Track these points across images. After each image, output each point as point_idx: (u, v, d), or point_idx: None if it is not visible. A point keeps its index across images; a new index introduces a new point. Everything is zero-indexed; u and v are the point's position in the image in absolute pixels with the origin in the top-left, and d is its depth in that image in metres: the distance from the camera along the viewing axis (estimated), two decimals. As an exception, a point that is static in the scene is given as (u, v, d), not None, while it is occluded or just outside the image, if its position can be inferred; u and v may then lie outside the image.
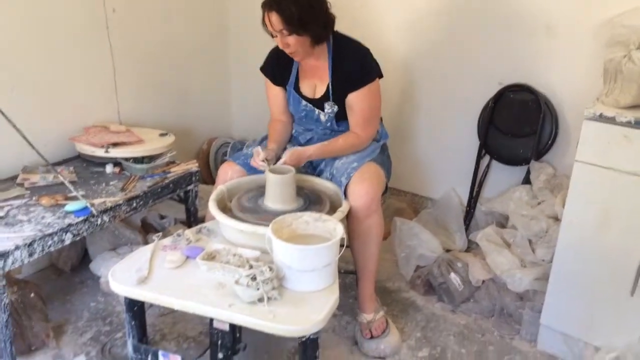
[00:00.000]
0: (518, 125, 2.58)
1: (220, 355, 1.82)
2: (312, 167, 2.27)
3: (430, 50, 2.79)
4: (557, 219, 2.31)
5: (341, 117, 2.17)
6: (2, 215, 1.99)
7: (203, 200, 2.64)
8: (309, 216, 1.84)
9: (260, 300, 1.62)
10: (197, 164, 2.55)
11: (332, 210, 1.99)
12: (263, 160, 2.04)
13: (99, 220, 2.09)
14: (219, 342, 1.80)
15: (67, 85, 2.53)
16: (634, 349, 1.87)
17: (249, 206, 2.01)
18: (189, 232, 1.97)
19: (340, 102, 2.12)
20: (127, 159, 2.43)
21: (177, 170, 2.47)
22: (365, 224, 2.03)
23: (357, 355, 2.13)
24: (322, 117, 2.19)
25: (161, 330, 2.23)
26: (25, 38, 2.33)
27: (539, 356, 2.16)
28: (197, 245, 1.91)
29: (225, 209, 2.01)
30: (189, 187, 2.52)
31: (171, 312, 2.27)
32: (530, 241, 2.38)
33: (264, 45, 2.25)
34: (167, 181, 2.39)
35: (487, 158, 2.75)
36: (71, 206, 2.06)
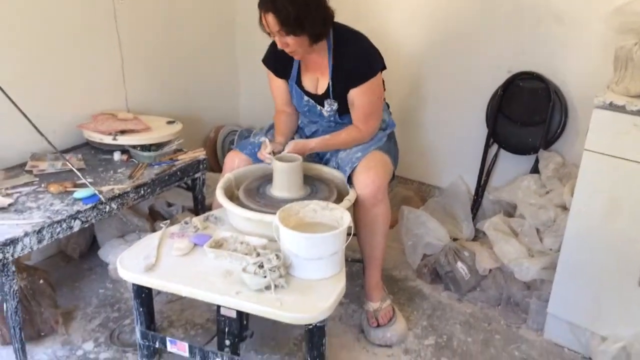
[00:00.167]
0: (527, 114, 2.56)
1: (227, 342, 1.84)
2: (318, 157, 2.27)
3: (439, 38, 2.77)
4: (565, 208, 2.30)
5: (344, 111, 2.15)
6: (11, 202, 2.00)
7: (210, 188, 2.65)
8: (316, 204, 1.84)
9: (267, 288, 1.62)
10: (204, 152, 2.55)
11: (339, 198, 1.99)
12: (270, 153, 2.04)
13: (107, 208, 2.10)
14: (226, 329, 1.82)
15: (75, 73, 2.53)
16: (641, 338, 1.87)
17: (256, 194, 2.02)
18: (197, 220, 1.98)
19: (342, 97, 2.10)
20: (134, 147, 2.43)
21: (184, 158, 2.47)
22: (372, 213, 2.03)
23: (363, 343, 2.14)
24: (325, 113, 2.18)
25: (169, 317, 2.25)
26: (34, 27, 2.33)
27: (545, 345, 2.15)
28: (204, 233, 1.92)
29: (232, 197, 2.01)
30: (197, 175, 2.53)
31: (179, 299, 2.28)
32: (538, 230, 2.37)
33: (272, 34, 2.23)
34: (174, 169, 2.39)
35: (495, 147, 2.73)
36: (80, 193, 2.07)
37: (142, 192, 2.25)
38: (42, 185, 2.14)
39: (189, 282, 1.68)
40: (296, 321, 1.60)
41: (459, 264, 2.40)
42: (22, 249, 1.85)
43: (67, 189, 2.11)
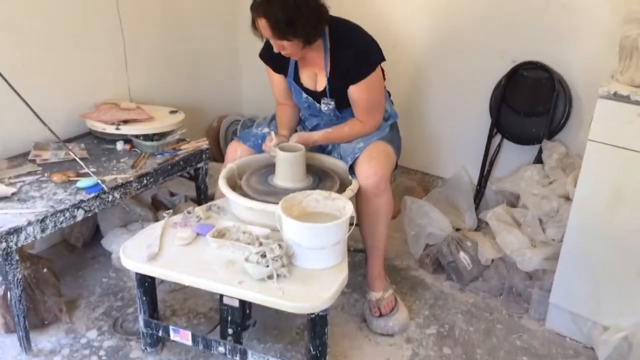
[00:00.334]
0: (531, 104, 2.55)
1: (230, 331, 1.85)
2: (320, 148, 2.26)
3: (443, 28, 2.75)
4: (568, 199, 2.30)
5: (343, 106, 2.14)
6: (15, 192, 2.00)
7: (213, 178, 2.64)
8: (318, 194, 1.85)
9: (270, 277, 1.63)
10: (207, 142, 2.54)
11: (342, 188, 1.99)
12: (275, 146, 2.03)
13: (110, 197, 2.11)
14: (229, 318, 1.83)
15: (77, 63, 2.53)
16: (643, 328, 1.88)
17: (258, 184, 2.02)
18: (199, 210, 1.98)
19: (341, 93, 2.09)
20: (137, 136, 2.43)
21: (187, 148, 2.47)
22: (374, 204, 2.02)
23: (365, 333, 2.14)
24: (324, 109, 2.17)
25: (172, 306, 2.25)
26: (37, 17, 2.32)
27: (547, 335, 2.16)
28: (207, 222, 1.92)
29: (235, 186, 2.01)
30: (199, 165, 2.53)
31: (182, 288, 2.29)
32: (540, 220, 2.37)
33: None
34: (177, 158, 2.39)
35: (498, 137, 2.73)
36: (82, 183, 2.07)
37: (145, 181, 2.25)
38: (45, 175, 2.14)
39: (191, 272, 1.69)
40: (298, 310, 1.61)
41: (462, 254, 2.40)
42: (25, 238, 1.85)
43: (70, 179, 2.11)
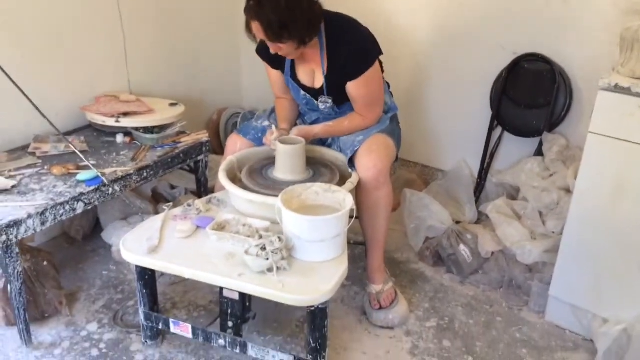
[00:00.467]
0: (532, 96, 2.54)
1: (230, 324, 1.85)
2: (320, 141, 2.26)
3: (444, 20, 2.74)
4: (568, 191, 2.29)
5: (342, 101, 2.13)
6: (15, 184, 2.00)
7: (213, 171, 2.63)
8: (318, 187, 1.84)
9: (270, 270, 1.63)
10: (207, 134, 2.54)
11: (342, 181, 1.99)
12: (276, 139, 2.03)
13: (110, 190, 2.10)
14: (229, 311, 1.83)
15: (77, 55, 2.52)
16: (643, 320, 1.88)
17: (258, 177, 2.01)
18: (199, 202, 1.98)
19: (339, 89, 2.07)
20: (137, 129, 2.42)
21: (187, 141, 2.47)
22: (374, 196, 2.02)
23: (365, 325, 2.14)
24: (321, 107, 2.16)
25: (172, 298, 2.25)
26: (35, 6, 2.32)
27: (547, 327, 2.16)
28: (207, 215, 1.92)
29: (235, 179, 2.01)
30: (199, 158, 2.52)
31: (182, 281, 2.29)
32: (540, 213, 2.37)
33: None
34: (177, 151, 2.39)
35: (499, 129, 2.72)
36: (83, 175, 2.07)
37: (145, 174, 2.25)
38: (45, 167, 2.14)
39: (191, 264, 1.69)
40: (298, 303, 1.62)
41: (462, 247, 2.40)
42: (25, 231, 1.85)
43: (70, 171, 2.11)
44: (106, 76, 2.68)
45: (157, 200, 2.71)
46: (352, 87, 2.04)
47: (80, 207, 2.01)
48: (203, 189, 2.62)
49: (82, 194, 2.01)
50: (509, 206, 2.45)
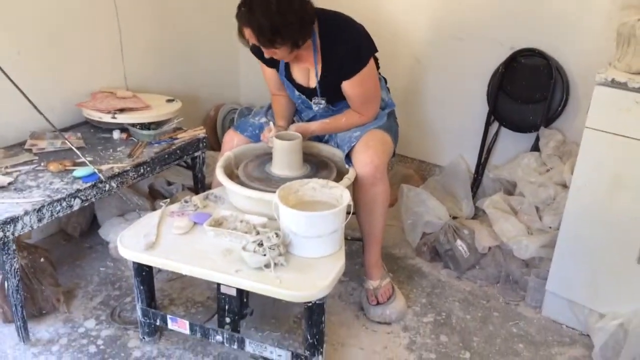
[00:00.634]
0: (528, 91, 2.54)
1: (227, 320, 1.85)
2: (317, 137, 2.25)
3: (441, 15, 2.74)
4: (565, 186, 2.30)
5: (337, 100, 2.13)
6: (11, 181, 2.00)
7: (210, 167, 2.65)
8: (315, 183, 1.84)
9: (267, 266, 1.63)
10: (204, 131, 2.54)
11: (339, 176, 1.99)
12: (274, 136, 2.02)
13: (107, 186, 2.10)
14: (227, 307, 1.83)
15: (73, 51, 2.51)
16: (639, 314, 1.88)
17: (256, 173, 2.01)
18: (197, 199, 1.98)
19: (334, 88, 2.07)
20: (134, 125, 2.42)
21: (184, 137, 2.46)
22: (371, 192, 2.02)
23: (362, 321, 2.15)
24: (315, 108, 2.16)
25: (169, 295, 2.25)
26: (31, 2, 2.30)
27: (543, 322, 2.17)
28: (204, 211, 1.92)
29: (232, 175, 2.01)
30: (196, 154, 2.52)
31: (179, 277, 2.29)
32: (537, 208, 2.37)
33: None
34: (174, 147, 2.38)
35: (496, 125, 2.72)
36: (79, 172, 2.07)
37: (142, 170, 2.24)
38: (42, 164, 2.14)
39: (189, 261, 1.69)
40: (295, 299, 1.61)
41: (459, 242, 2.40)
42: (22, 228, 1.85)
43: (67, 168, 2.10)
44: (102, 72, 2.67)
45: (154, 197, 2.71)
46: (348, 86, 2.04)
47: (77, 204, 2.01)
48: (200, 185, 2.61)
49: (78, 190, 2.00)
50: (506, 201, 2.46)
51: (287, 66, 2.14)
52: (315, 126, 2.13)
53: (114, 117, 2.37)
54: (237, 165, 2.09)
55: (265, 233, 1.69)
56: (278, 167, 2.01)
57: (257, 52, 2.14)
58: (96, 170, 2.07)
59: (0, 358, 1.91)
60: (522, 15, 2.50)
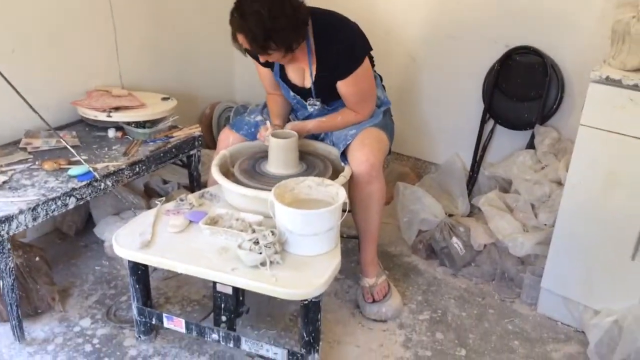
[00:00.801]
0: (524, 89, 2.54)
1: (223, 318, 1.85)
2: (313, 135, 2.25)
3: (435, 12, 2.73)
4: (560, 184, 2.30)
5: (332, 99, 2.13)
6: (6, 180, 1.99)
7: (206, 165, 2.63)
8: (311, 181, 1.84)
9: (263, 264, 1.63)
10: (199, 129, 2.53)
11: (335, 174, 1.99)
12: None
13: (102, 185, 2.09)
14: (223, 305, 1.83)
15: (68, 49, 2.50)
16: (633, 311, 1.88)
17: (251, 171, 2.01)
18: (192, 197, 1.98)
19: (329, 88, 2.06)
20: (129, 124, 2.41)
21: (179, 135, 2.46)
22: (367, 190, 2.02)
23: (358, 319, 2.15)
24: (309, 110, 2.16)
25: (165, 293, 2.25)
26: (27, 1, 2.29)
27: (538, 319, 2.17)
28: (200, 209, 1.92)
29: (227, 173, 2.01)
30: (192, 152, 2.51)
31: (175, 275, 2.28)
32: (533, 206, 2.37)
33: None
34: (169, 146, 2.38)
35: (491, 122, 2.72)
36: (74, 170, 2.06)
37: (137, 169, 2.24)
38: (37, 163, 2.13)
39: (184, 259, 1.69)
40: (291, 297, 1.62)
41: (454, 240, 2.41)
42: (17, 227, 1.84)
43: (62, 166, 2.10)
44: (97, 70, 2.65)
45: (150, 195, 2.70)
46: (343, 86, 2.04)
47: (72, 203, 2.00)
48: (196, 183, 2.61)
49: (73, 189, 2.00)
50: (501, 199, 2.46)
51: (282, 66, 2.13)
52: (311, 125, 2.13)
53: (109, 116, 2.36)
54: (232, 164, 2.09)
55: (261, 231, 1.69)
56: (274, 166, 2.01)
57: (251, 51, 2.14)
58: (91, 169, 2.06)
59: (-5, 358, 1.92)
60: (517, 13, 2.50)
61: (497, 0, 2.54)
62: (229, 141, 2.21)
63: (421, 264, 2.50)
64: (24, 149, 2.23)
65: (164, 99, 2.61)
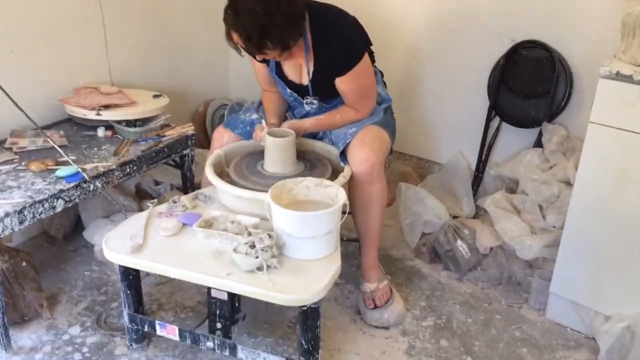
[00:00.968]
0: (530, 85, 2.51)
1: (219, 325, 1.85)
2: (311, 134, 2.22)
3: (439, 7, 2.70)
4: (569, 184, 2.28)
5: (330, 97, 2.10)
6: (-10, 181, 1.97)
7: (199, 165, 2.63)
8: (309, 181, 1.83)
9: (260, 268, 1.63)
10: (193, 127, 2.51)
11: (334, 175, 1.97)
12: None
13: (92, 186, 2.07)
14: (218, 311, 1.83)
15: (55, 44, 2.46)
16: (646, 317, 1.88)
17: (247, 171, 1.99)
18: (185, 199, 1.97)
19: (327, 85, 2.03)
20: (119, 122, 2.39)
21: (172, 134, 2.44)
22: (367, 191, 1.99)
23: (359, 325, 2.13)
24: (307, 108, 2.13)
25: (158, 299, 2.23)
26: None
27: (547, 325, 2.15)
28: (193, 212, 1.92)
29: (222, 174, 2.00)
30: (185, 152, 2.49)
31: (168, 281, 2.26)
32: (540, 207, 2.35)
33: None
34: (161, 145, 2.35)
35: (497, 120, 2.69)
36: (62, 171, 2.04)
37: (128, 169, 2.21)
38: (23, 163, 2.10)
39: (178, 264, 1.68)
40: (289, 303, 1.62)
41: (459, 243, 2.38)
42: (2, 230, 1.82)
43: (49, 167, 2.07)
44: (86, 67, 2.61)
45: (141, 197, 2.68)
46: (341, 83, 2.01)
47: (60, 205, 1.98)
48: (189, 184, 2.59)
49: (62, 191, 1.97)
50: (508, 200, 2.44)
51: (278, 62, 2.09)
52: (309, 123, 2.10)
53: (98, 114, 2.33)
54: (227, 164, 2.07)
55: (257, 234, 1.67)
56: (270, 166, 1.98)
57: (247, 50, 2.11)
58: (80, 170, 2.03)
59: (-20, 367, 1.89)
60: (523, 6, 2.47)
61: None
62: (223, 140, 2.18)
63: (425, 268, 2.48)
64: (10, 149, 2.20)
65: (156, 96, 2.58)
